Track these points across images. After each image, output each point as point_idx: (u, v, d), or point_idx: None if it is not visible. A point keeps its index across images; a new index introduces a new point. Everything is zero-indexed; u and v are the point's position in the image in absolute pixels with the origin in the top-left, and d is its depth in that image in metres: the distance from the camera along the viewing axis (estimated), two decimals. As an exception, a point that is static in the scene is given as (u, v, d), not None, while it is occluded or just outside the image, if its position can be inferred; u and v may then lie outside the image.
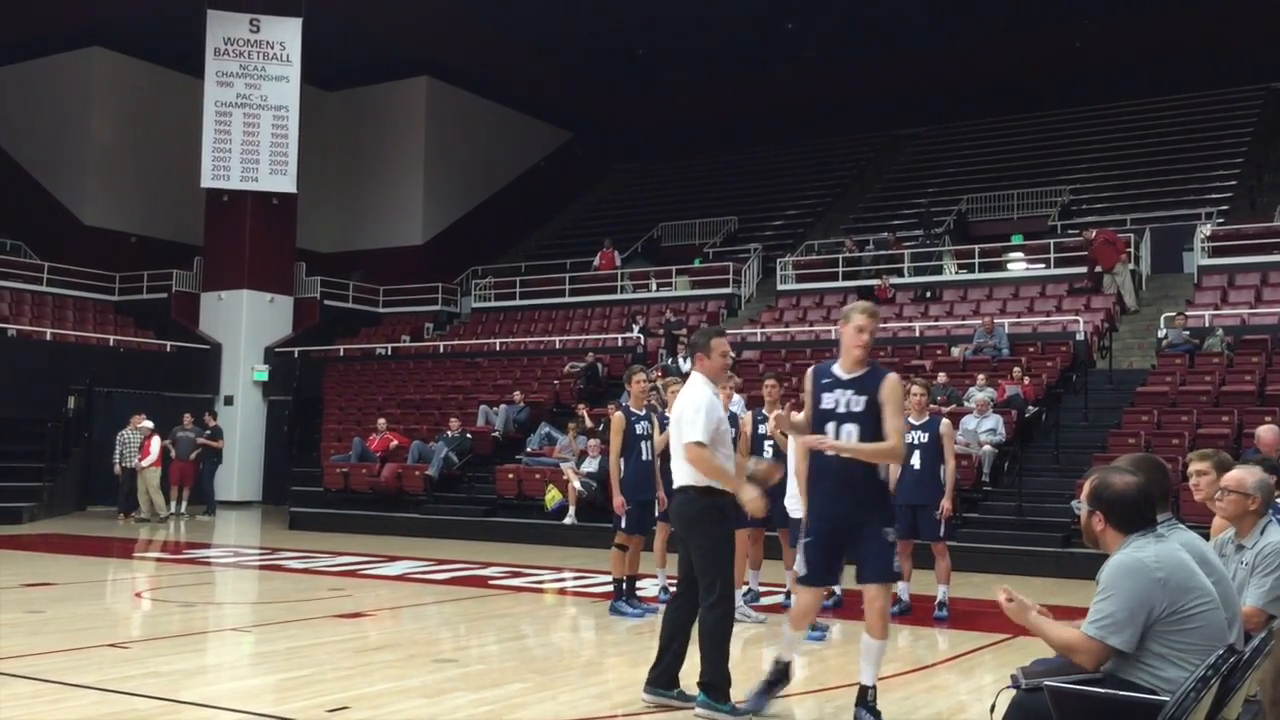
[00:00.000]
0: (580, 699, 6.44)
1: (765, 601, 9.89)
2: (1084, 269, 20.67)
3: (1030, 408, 16.21)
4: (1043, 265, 22.33)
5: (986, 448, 14.83)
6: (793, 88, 31.09)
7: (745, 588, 9.57)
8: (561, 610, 10.89)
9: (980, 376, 16.62)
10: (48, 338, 23.22)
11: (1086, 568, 3.98)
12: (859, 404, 5.62)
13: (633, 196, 33.69)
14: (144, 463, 19.54)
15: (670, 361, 19.64)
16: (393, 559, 13.90)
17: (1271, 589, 4.38)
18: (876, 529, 5.68)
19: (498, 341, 24.80)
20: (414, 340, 26.63)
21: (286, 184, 25.60)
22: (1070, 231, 22.97)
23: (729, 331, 21.54)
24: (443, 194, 31.27)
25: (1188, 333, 17.35)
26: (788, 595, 8.98)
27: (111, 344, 24.07)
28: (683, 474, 5.95)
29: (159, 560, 14.81)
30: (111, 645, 7.86)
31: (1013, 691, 3.78)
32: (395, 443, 19.59)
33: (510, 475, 17.66)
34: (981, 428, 14.95)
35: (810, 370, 5.91)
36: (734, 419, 9.05)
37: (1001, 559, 13.12)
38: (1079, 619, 3.76)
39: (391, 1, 26.97)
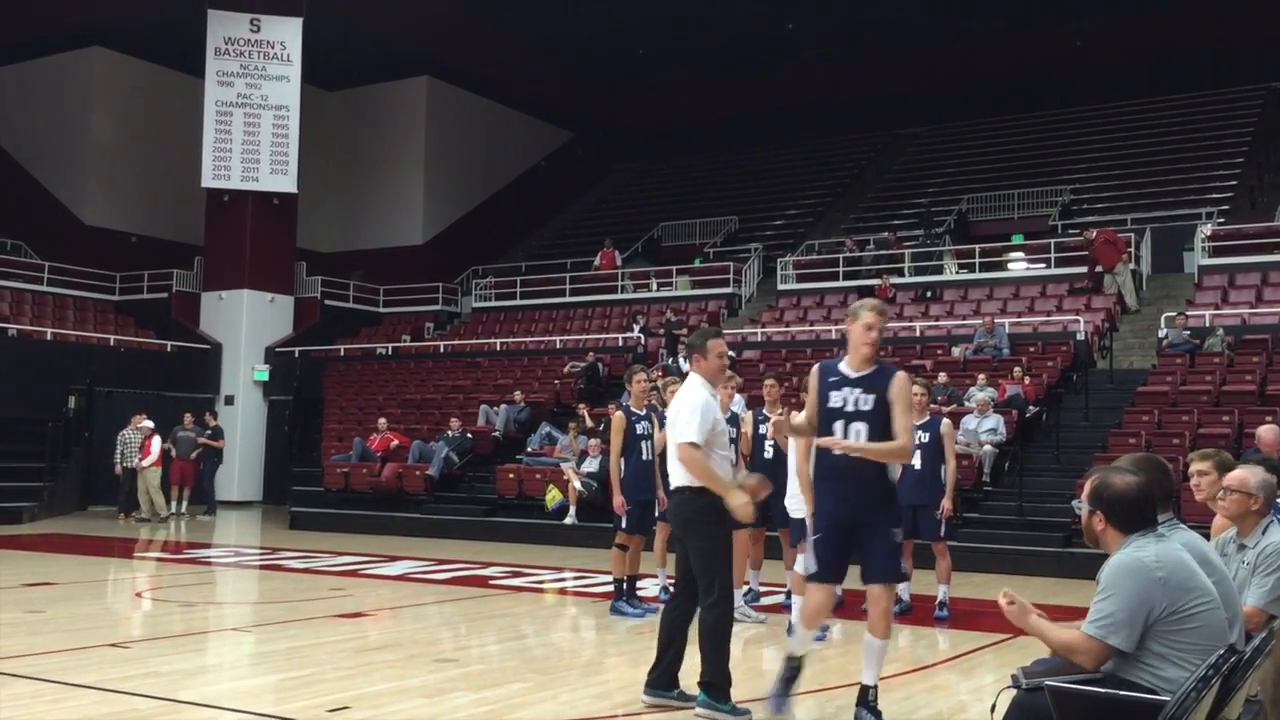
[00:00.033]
0: (580, 699, 6.44)
1: (766, 601, 9.89)
2: (1084, 269, 20.67)
3: (1031, 408, 16.20)
4: (1043, 265, 22.33)
5: (987, 448, 14.82)
6: (793, 87, 31.09)
7: (746, 588, 9.57)
8: (562, 610, 10.89)
9: (981, 376, 16.63)
10: (48, 337, 23.22)
11: (1087, 567, 3.97)
12: (867, 402, 5.58)
13: (633, 196, 33.69)
14: (144, 462, 19.54)
15: (670, 361, 19.64)
16: (393, 559, 13.90)
17: (1272, 589, 4.38)
18: (885, 529, 5.67)
19: (498, 341, 24.80)
20: (414, 340, 26.63)
21: (287, 184, 25.61)
22: (1071, 231, 22.97)
23: (730, 331, 21.61)
24: (443, 194, 31.27)
25: (1188, 332, 17.34)
26: (788, 595, 8.97)
27: (112, 344, 24.08)
28: (679, 475, 5.95)
29: (159, 560, 14.81)
30: (112, 645, 7.86)
31: (1013, 691, 3.78)
32: (396, 442, 19.59)
33: (511, 475, 17.66)
34: (982, 427, 14.95)
35: (815, 368, 5.86)
36: (735, 419, 9.07)
37: (1002, 559, 13.12)
38: (1079, 619, 3.76)
39: (392, 1, 26.97)
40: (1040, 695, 3.50)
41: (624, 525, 9.39)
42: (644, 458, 9.35)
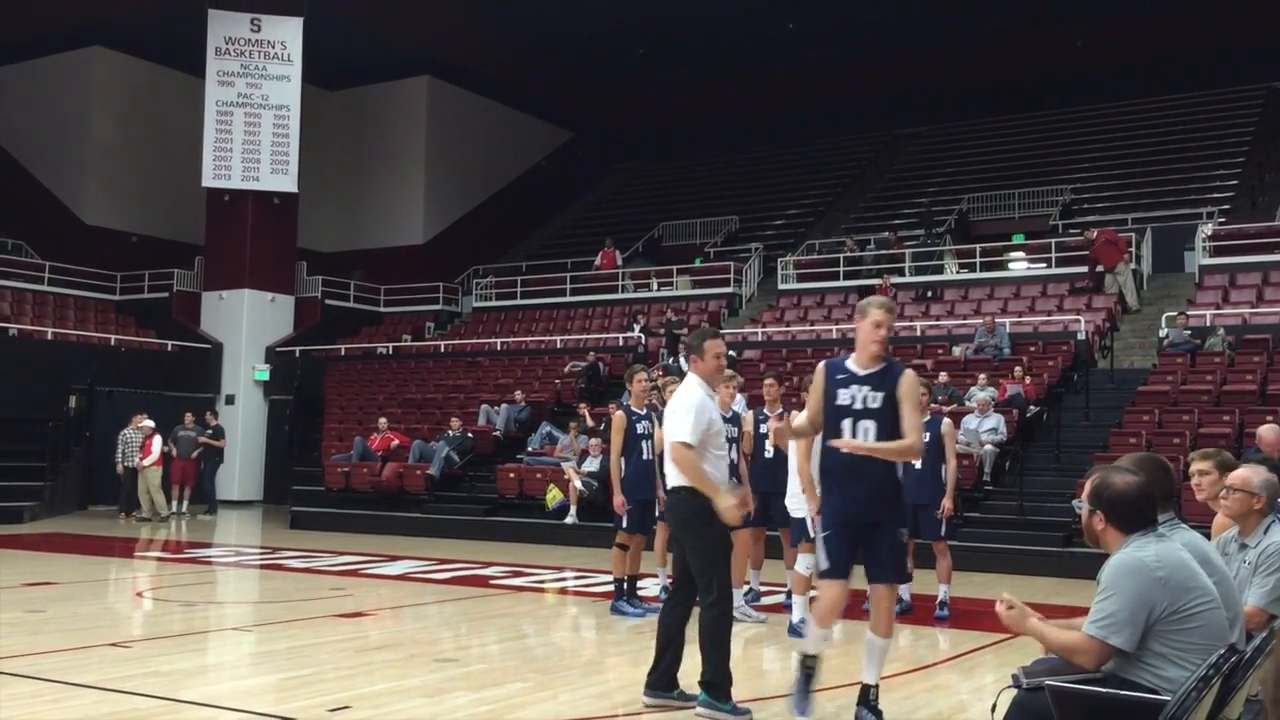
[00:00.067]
0: (581, 698, 6.44)
1: (766, 601, 9.89)
2: (1085, 268, 20.67)
3: (1031, 407, 16.20)
4: (1044, 265, 22.34)
5: (988, 447, 14.82)
6: (793, 87, 31.08)
7: (746, 587, 9.57)
8: (562, 610, 10.89)
9: (981, 376, 16.62)
10: (49, 337, 23.22)
11: (1088, 567, 3.97)
12: (876, 400, 5.56)
13: (634, 196, 33.69)
14: (145, 462, 19.54)
15: (671, 361, 19.63)
16: (394, 558, 13.90)
17: (1273, 589, 4.38)
18: (892, 529, 5.67)
19: (499, 341, 24.81)
20: (415, 340, 26.64)
21: (288, 183, 25.61)
22: (1071, 231, 22.97)
23: (730, 331, 21.62)
24: (444, 193, 31.27)
25: (1189, 332, 17.34)
26: (788, 595, 8.97)
27: (113, 343, 24.08)
28: (675, 474, 5.96)
29: (160, 560, 14.81)
30: (112, 645, 7.86)
31: (1014, 691, 3.78)
32: (396, 442, 19.59)
33: (511, 475, 17.67)
34: (983, 427, 14.95)
35: (822, 365, 5.81)
36: (736, 418, 9.07)
37: (1003, 558, 13.12)
38: (1081, 617, 3.76)
39: (392, 1, 26.97)
40: (1041, 695, 3.50)
41: (625, 525, 9.39)
42: (644, 457, 9.35)
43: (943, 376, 16.85)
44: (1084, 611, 3.73)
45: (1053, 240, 22.44)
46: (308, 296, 26.88)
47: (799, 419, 6.34)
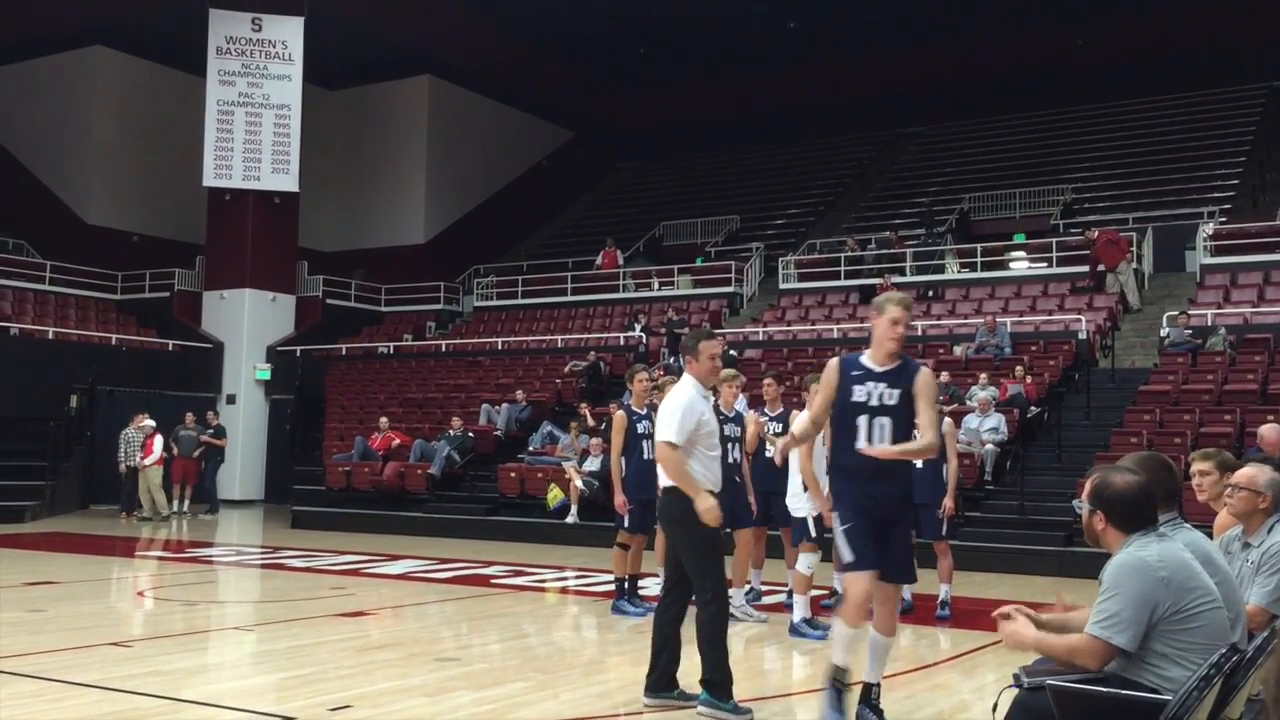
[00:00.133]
0: (582, 698, 6.44)
1: (768, 601, 9.89)
2: (1086, 268, 20.66)
3: (1032, 407, 16.19)
4: (1045, 264, 22.34)
5: (989, 447, 14.82)
6: (795, 87, 31.07)
7: (748, 587, 9.57)
8: (563, 609, 10.89)
9: (982, 375, 16.61)
10: (50, 337, 23.22)
11: (1089, 567, 3.97)
12: (893, 397, 5.54)
13: (635, 195, 33.69)
14: (146, 461, 19.55)
15: (672, 360, 19.64)
16: (395, 558, 13.91)
17: (1276, 589, 4.37)
18: (905, 528, 5.71)
19: (500, 340, 24.81)
20: (416, 339, 26.65)
21: (289, 183, 25.62)
22: (1072, 230, 22.96)
23: (731, 331, 21.64)
24: (445, 193, 31.28)
25: (1190, 332, 17.33)
26: (790, 595, 8.97)
27: (114, 343, 24.08)
28: (665, 474, 5.98)
29: (161, 559, 14.81)
30: (113, 644, 7.86)
31: (1015, 690, 3.78)
32: (397, 441, 19.59)
33: (512, 474, 17.67)
34: (984, 427, 14.94)
35: (836, 361, 5.76)
36: (739, 418, 9.09)
37: (1003, 558, 13.12)
38: (1075, 611, 3.75)
39: (393, 0, 26.97)
40: (1042, 694, 3.50)
41: (626, 524, 9.39)
42: (645, 457, 9.34)
43: (944, 376, 16.81)
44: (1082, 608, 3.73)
45: (1054, 240, 22.44)
46: (309, 296, 26.88)
47: (800, 421, 6.32)
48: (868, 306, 22.12)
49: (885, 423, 5.53)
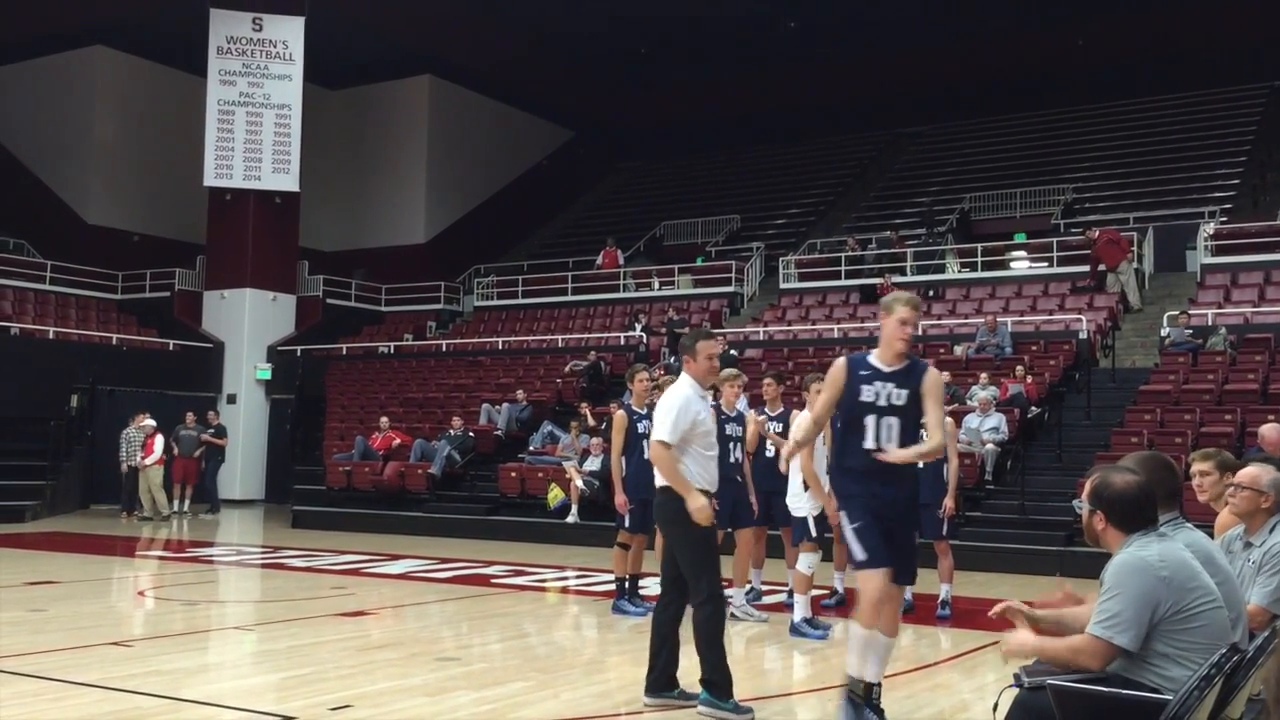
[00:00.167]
0: (582, 698, 6.44)
1: (768, 600, 9.89)
2: (1086, 268, 20.66)
3: (1033, 407, 16.19)
4: (1045, 264, 22.33)
5: (989, 446, 14.81)
6: (795, 86, 31.08)
7: (748, 586, 9.57)
8: (564, 609, 10.89)
9: (983, 375, 16.60)
10: (51, 336, 23.23)
11: (1089, 567, 3.97)
12: (901, 397, 5.53)
13: (635, 195, 33.69)
14: (147, 461, 19.56)
15: (672, 360, 19.64)
16: (395, 557, 13.90)
17: (1277, 588, 4.37)
18: (910, 530, 5.71)
19: (500, 340, 24.81)
20: (416, 339, 26.65)
21: (289, 183, 25.62)
22: (1073, 230, 22.96)
23: (732, 330, 21.64)
24: (445, 192, 31.28)
25: (1190, 331, 17.33)
26: (790, 594, 8.97)
27: (114, 343, 24.09)
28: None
29: (161, 559, 14.81)
30: (114, 643, 7.86)
31: (1015, 690, 3.78)
32: (398, 441, 19.59)
33: (513, 474, 17.67)
34: (984, 426, 14.94)
35: (843, 361, 5.73)
36: (741, 418, 9.10)
37: (1004, 558, 13.11)
38: (1070, 607, 3.75)
39: (394, 0, 26.97)
40: (1043, 694, 3.50)
41: (626, 524, 9.39)
42: (645, 456, 9.30)
43: (945, 376, 16.79)
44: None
45: (1054, 239, 22.44)
46: (309, 296, 26.89)
47: (802, 423, 6.30)
48: (868, 306, 22.27)
49: (893, 423, 5.53)
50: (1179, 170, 24.86)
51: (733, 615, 9.01)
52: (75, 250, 26.64)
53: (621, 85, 32.61)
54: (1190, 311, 18.08)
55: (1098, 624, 3.58)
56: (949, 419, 9.65)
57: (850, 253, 23.85)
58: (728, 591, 9.29)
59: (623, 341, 22.99)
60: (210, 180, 25.21)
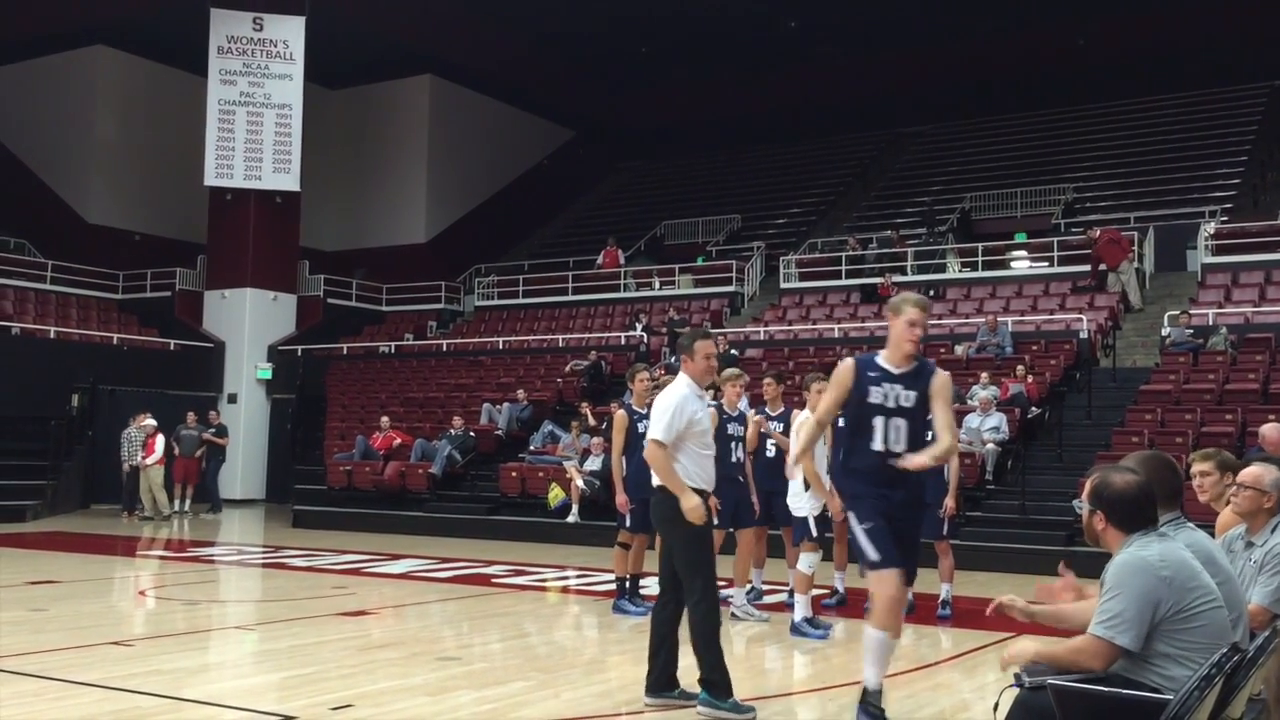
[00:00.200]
0: (583, 697, 6.44)
1: (769, 600, 9.89)
2: (1087, 267, 20.66)
3: (1033, 406, 16.19)
4: (1046, 264, 22.33)
5: (990, 446, 14.81)
6: (796, 86, 31.08)
7: (749, 586, 9.57)
8: (564, 608, 10.89)
9: (984, 375, 16.59)
10: (51, 336, 23.23)
11: (1089, 567, 3.96)
12: (910, 399, 5.53)
13: (636, 195, 33.69)
14: (148, 461, 19.56)
15: (673, 360, 19.63)
16: (396, 557, 13.91)
17: (1278, 588, 4.37)
18: (915, 532, 5.73)
19: (501, 340, 24.81)
20: (417, 338, 26.65)
21: (290, 182, 25.62)
22: (1074, 230, 22.96)
23: (733, 330, 21.64)
24: (446, 192, 31.28)
25: (1191, 331, 17.32)
26: (791, 594, 8.97)
27: (115, 342, 24.09)
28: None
29: (162, 558, 14.82)
30: (115, 643, 7.87)
31: (1016, 690, 3.78)
32: (398, 441, 19.60)
33: (513, 473, 17.67)
34: (985, 426, 14.94)
35: (851, 362, 5.71)
36: (742, 417, 9.10)
37: (1004, 557, 13.11)
38: (1065, 602, 3.76)
39: (394, 0, 26.97)
40: (1043, 694, 3.50)
41: (627, 524, 9.39)
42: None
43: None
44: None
45: (1055, 239, 22.43)
46: (310, 295, 26.89)
47: (807, 427, 6.28)
48: (869, 305, 22.24)
49: (901, 424, 5.53)
50: (1179, 170, 24.86)
51: (733, 615, 9.02)
52: (76, 250, 26.64)
53: (622, 85, 32.62)
54: (1191, 311, 18.08)
55: (1099, 624, 3.58)
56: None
57: (851, 252, 23.85)
58: (729, 591, 9.33)
59: (623, 341, 22.99)
60: (211, 180, 25.22)
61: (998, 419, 15.08)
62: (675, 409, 5.87)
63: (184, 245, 27.00)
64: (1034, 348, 18.34)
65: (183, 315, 25.88)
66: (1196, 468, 5.10)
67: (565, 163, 34.44)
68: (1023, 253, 23.49)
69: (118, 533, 17.53)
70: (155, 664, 7.09)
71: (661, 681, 6.03)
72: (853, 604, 9.77)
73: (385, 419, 20.20)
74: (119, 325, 25.30)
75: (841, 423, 6.39)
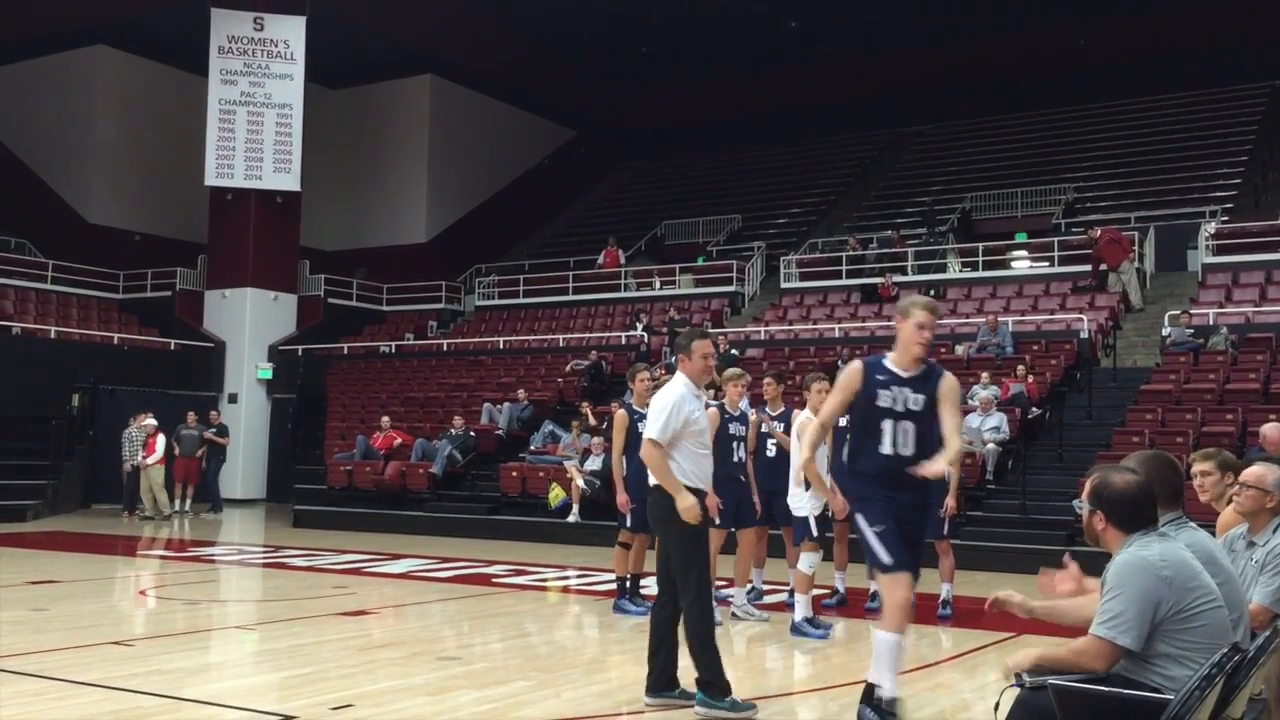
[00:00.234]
0: (583, 697, 6.44)
1: (769, 600, 9.89)
2: (1088, 267, 20.65)
3: (1034, 406, 16.18)
4: (1047, 263, 22.33)
5: (990, 446, 14.81)
6: (796, 86, 31.08)
7: (749, 586, 9.57)
8: (565, 608, 10.89)
9: (984, 374, 16.59)
10: (52, 336, 23.23)
11: (1090, 567, 3.96)
12: (918, 403, 5.53)
13: (636, 194, 33.69)
14: (148, 460, 19.57)
15: (673, 359, 19.61)
16: (396, 557, 13.91)
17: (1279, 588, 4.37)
18: (921, 532, 5.75)
19: (501, 339, 24.81)
20: (418, 338, 26.65)
21: (290, 182, 25.63)
22: (1074, 230, 22.96)
23: (733, 330, 21.64)
24: (446, 192, 31.28)
25: (1192, 331, 17.32)
26: (791, 594, 8.97)
27: (116, 342, 24.10)
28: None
29: (163, 558, 14.82)
30: (116, 643, 7.87)
31: (1017, 690, 3.78)
32: (399, 441, 19.60)
33: (514, 473, 17.68)
34: (985, 426, 14.94)
35: (859, 364, 5.70)
36: (744, 417, 9.10)
37: (1005, 557, 13.10)
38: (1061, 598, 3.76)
39: (395, 0, 26.98)
40: (1044, 694, 3.50)
41: (627, 523, 9.39)
42: (647, 456, 9.34)
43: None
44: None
45: (1055, 239, 22.43)
46: (310, 295, 26.90)
47: (812, 430, 6.26)
48: (869, 305, 22.22)
49: (909, 427, 5.53)
50: (1180, 170, 24.86)
51: (734, 615, 9.02)
52: (76, 250, 26.65)
53: (622, 85, 32.62)
54: (1191, 311, 18.08)
55: (1101, 625, 3.58)
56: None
57: (851, 252, 23.85)
58: (730, 591, 9.33)
59: (624, 341, 22.99)
60: (211, 180, 25.22)
61: (998, 419, 15.09)
62: (671, 408, 5.87)
63: (184, 245, 27.00)
64: (1034, 348, 18.33)
65: (183, 315, 25.88)
66: (1197, 467, 5.10)
67: (565, 162, 34.44)
68: (1023, 253, 23.49)
69: (118, 532, 17.54)
70: (156, 664, 7.09)
71: (661, 681, 6.02)
72: (853, 604, 9.77)
73: (386, 419, 20.20)
74: (119, 325, 25.30)
75: (843, 422, 6.40)
